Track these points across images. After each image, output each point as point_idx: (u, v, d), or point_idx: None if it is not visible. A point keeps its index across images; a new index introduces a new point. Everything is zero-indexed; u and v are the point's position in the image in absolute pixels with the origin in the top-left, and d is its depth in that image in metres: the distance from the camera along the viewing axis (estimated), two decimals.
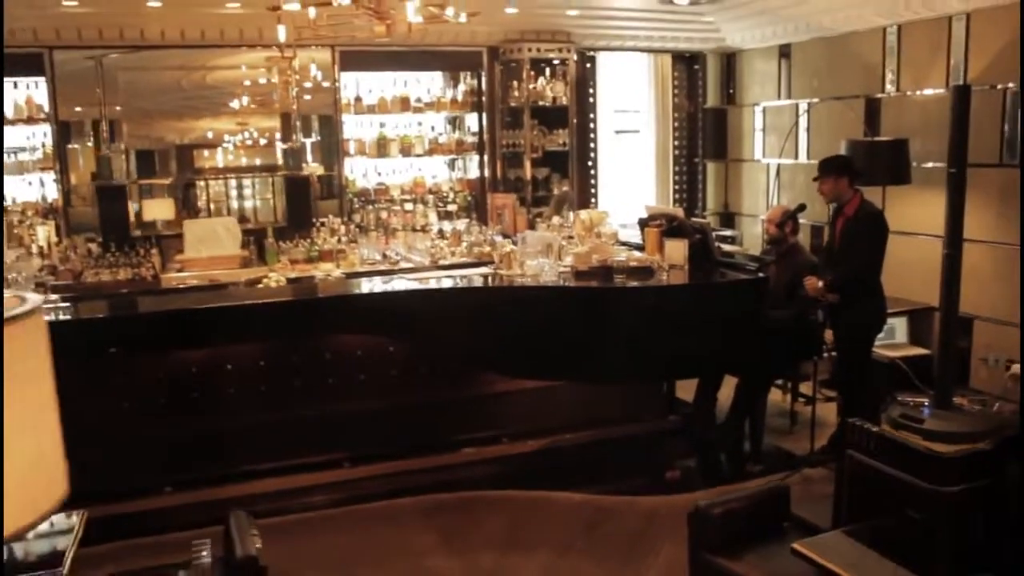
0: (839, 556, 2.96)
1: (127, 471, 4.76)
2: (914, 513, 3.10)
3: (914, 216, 7.01)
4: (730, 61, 9.32)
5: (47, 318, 1.60)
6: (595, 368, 5.23)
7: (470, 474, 5.47)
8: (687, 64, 9.40)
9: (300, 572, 4.37)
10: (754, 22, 8.16)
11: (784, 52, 8.48)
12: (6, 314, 1.28)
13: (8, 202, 7.63)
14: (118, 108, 7.76)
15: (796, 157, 8.26)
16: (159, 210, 7.90)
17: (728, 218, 9.50)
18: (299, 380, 5.23)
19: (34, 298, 1.41)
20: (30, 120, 7.62)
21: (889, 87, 7.30)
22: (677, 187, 9.60)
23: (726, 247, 7.14)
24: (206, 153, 8.23)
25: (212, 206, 8.15)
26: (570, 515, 5.00)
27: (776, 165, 8.63)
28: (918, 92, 7.04)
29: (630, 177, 9.57)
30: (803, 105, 8.24)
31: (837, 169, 5.53)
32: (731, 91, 9.38)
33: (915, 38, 7.04)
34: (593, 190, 9.06)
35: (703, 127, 9.43)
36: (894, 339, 7.04)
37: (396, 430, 5.42)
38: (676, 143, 9.52)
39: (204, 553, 3.20)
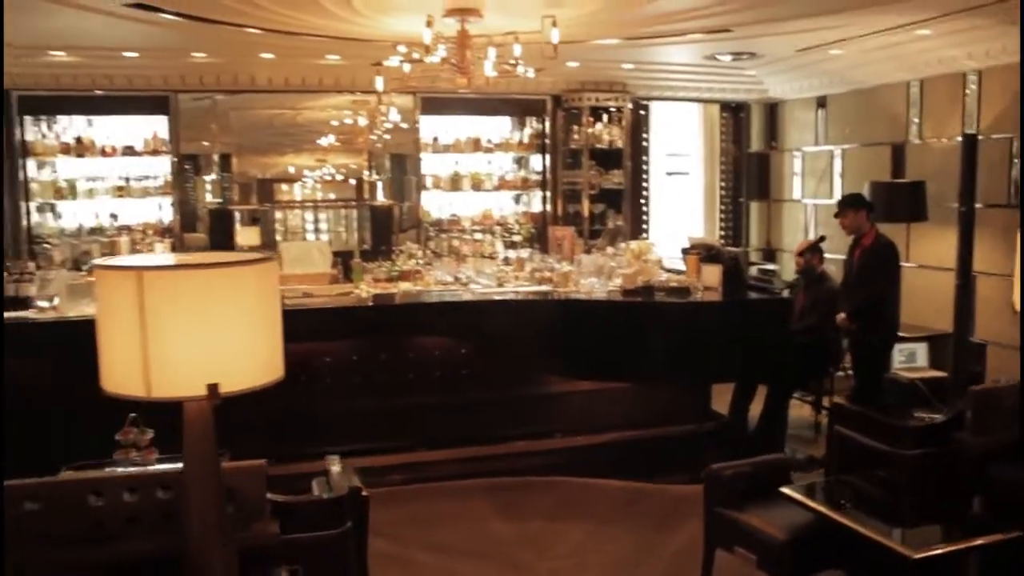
0: (815, 495, 3.76)
1: (235, 442, 5.71)
2: (881, 472, 3.90)
3: (934, 251, 7.75)
4: (773, 110, 10.19)
5: None
6: (637, 371, 6.12)
7: (527, 463, 6.33)
8: (733, 112, 10.30)
9: (383, 530, 5.25)
10: (793, 75, 9.04)
11: (821, 103, 9.33)
12: (260, 255, 2.21)
13: (132, 223, 8.81)
14: (229, 143, 8.93)
15: (831, 197, 9.05)
16: (248, 236, 8.97)
17: (770, 253, 10.30)
18: (385, 374, 6.19)
19: (271, 255, 2.35)
20: (155, 152, 8.81)
21: (912, 135, 8.09)
22: (723, 224, 10.45)
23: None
24: (284, 187, 9.32)
25: (295, 235, 9.25)
26: (610, 496, 5.85)
27: (813, 205, 9.44)
28: (938, 140, 7.81)
29: (680, 214, 10.43)
30: (837, 151, 9.06)
31: (855, 204, 6.34)
32: (773, 137, 10.23)
33: (935, 92, 7.83)
34: (644, 225, 9.95)
35: (747, 170, 10.28)
36: (915, 362, 7.74)
37: (465, 421, 6.33)
38: (722, 184, 10.40)
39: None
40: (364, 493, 3.90)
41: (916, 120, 8.06)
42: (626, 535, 5.28)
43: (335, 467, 3.61)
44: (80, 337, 5.58)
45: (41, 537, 2.63)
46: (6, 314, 5.87)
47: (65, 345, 5.60)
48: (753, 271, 8.90)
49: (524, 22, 5.72)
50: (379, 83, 6.47)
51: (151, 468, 3.12)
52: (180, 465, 2.36)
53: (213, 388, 2.09)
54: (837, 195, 9.04)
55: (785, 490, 3.83)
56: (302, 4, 5.84)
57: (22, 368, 5.62)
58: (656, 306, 6.11)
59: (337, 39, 6.93)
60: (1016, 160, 6.98)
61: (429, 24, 5.41)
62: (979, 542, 3.28)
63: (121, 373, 2.11)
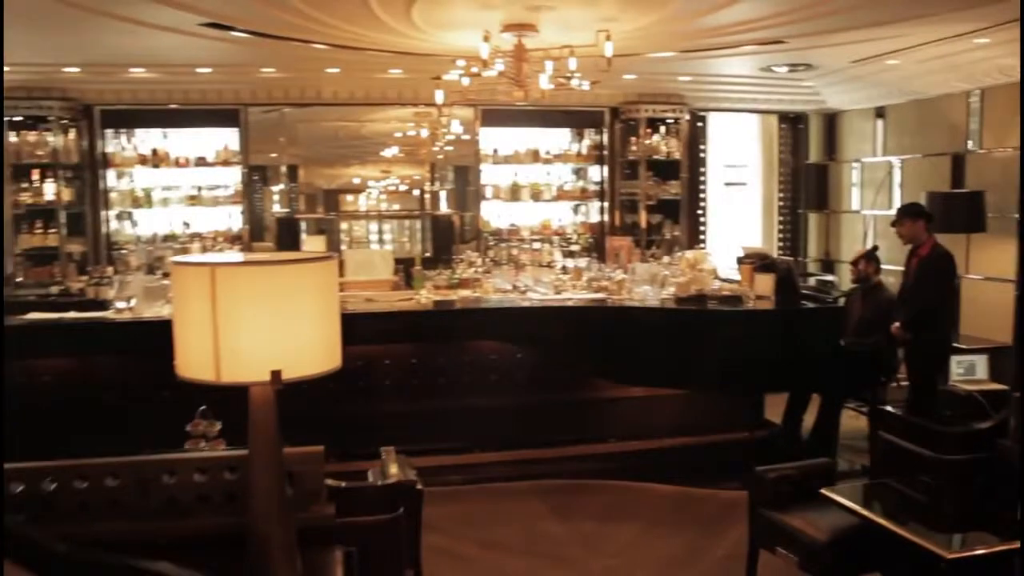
0: (854, 498, 3.83)
1: (296, 441, 5.96)
2: (923, 477, 3.95)
3: (995, 262, 7.70)
4: (831, 121, 10.20)
5: None
6: (689, 378, 6.22)
7: (580, 466, 6.46)
8: (792, 123, 10.33)
9: (437, 525, 5.43)
10: (850, 86, 9.05)
11: (879, 113, 9.32)
12: (321, 254, 2.41)
13: (204, 230, 9.19)
14: (296, 154, 9.27)
15: (889, 208, 9.02)
16: (314, 245, 9.27)
17: (828, 264, 10.28)
18: (443, 377, 6.40)
19: (331, 254, 2.55)
20: (225, 163, 9.18)
21: (972, 145, 8.05)
22: (781, 235, 10.47)
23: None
24: (349, 198, 9.63)
25: (359, 244, 9.53)
26: (661, 499, 5.96)
27: (871, 216, 9.41)
28: (998, 150, 7.77)
29: (738, 225, 10.47)
30: (896, 161, 9.03)
31: (913, 214, 6.36)
32: (832, 148, 10.22)
33: (995, 102, 7.80)
34: (702, 235, 10.02)
35: (805, 180, 10.28)
36: (974, 375, 7.65)
37: (520, 424, 6.48)
38: (781, 195, 10.42)
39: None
40: (418, 487, 4.10)
41: (976, 130, 8.02)
42: (675, 536, 5.38)
43: (390, 458, 3.80)
44: (154, 336, 5.93)
45: (119, 510, 2.86)
46: (88, 314, 6.23)
47: (141, 343, 5.94)
48: (811, 281, 8.94)
49: (579, 36, 5.90)
50: (439, 96, 6.69)
51: (220, 452, 3.33)
52: (246, 451, 2.57)
53: (276, 374, 2.29)
54: (896, 206, 9.02)
55: (825, 491, 3.91)
56: (365, 21, 6.09)
57: (101, 365, 5.99)
58: (708, 314, 6.22)
59: (399, 54, 7.19)
60: None
61: (486, 39, 5.62)
62: (1016, 545, 3.33)
63: (194, 360, 2.32)
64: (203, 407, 4.23)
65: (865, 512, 3.66)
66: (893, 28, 6.48)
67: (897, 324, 6.22)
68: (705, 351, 6.16)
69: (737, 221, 10.46)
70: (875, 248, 6.75)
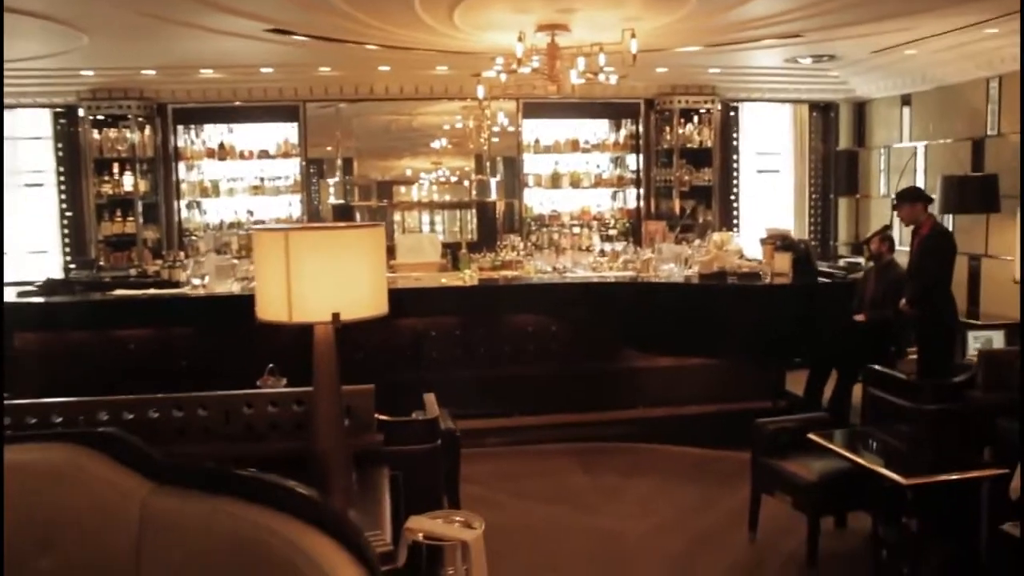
0: (839, 443, 4.34)
1: None
2: (903, 426, 4.46)
3: (1012, 242, 8.04)
4: (861, 109, 10.58)
5: None
6: (710, 348, 6.76)
7: (609, 431, 7.02)
8: (823, 112, 10.74)
9: (476, 479, 6.03)
10: (876, 75, 9.44)
11: (906, 100, 9.70)
12: (370, 223, 3.03)
13: (266, 218, 9.91)
14: (351, 147, 9.96)
15: None
16: None
17: (858, 247, 10.65)
18: (484, 348, 7.00)
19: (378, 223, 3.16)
20: (286, 156, 9.91)
21: (991, 130, 8.41)
22: (812, 220, 10.89)
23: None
24: (403, 189, 10.26)
25: (411, 231, 10.17)
26: (681, 459, 6.52)
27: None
28: (1014, 134, 8.12)
29: (771, 210, 10.90)
30: (920, 147, 9.41)
31: (911, 198, 6.78)
32: (861, 135, 10.61)
33: (1012, 88, 8.13)
34: (735, 220, 10.48)
35: (835, 167, 10.69)
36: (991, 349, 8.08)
37: (554, 391, 7.06)
38: (812, 181, 10.84)
39: None
40: (456, 432, 4.72)
41: (995, 115, 8.37)
42: (690, 490, 5.92)
43: (431, 401, 4.41)
44: (224, 309, 6.67)
45: (208, 436, 3.52)
46: (168, 291, 6.96)
47: (213, 316, 6.67)
48: (840, 263, 9.36)
49: (608, 34, 6.45)
50: (480, 91, 7.29)
51: (289, 389, 3.94)
52: (311, 388, 3.20)
53: (336, 316, 2.91)
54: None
55: (813, 436, 4.43)
56: (412, 23, 6.70)
57: (177, 335, 6.71)
58: (727, 289, 6.75)
59: (444, 52, 7.80)
60: None
61: (520, 39, 6.20)
62: (970, 475, 3.83)
63: (271, 305, 2.96)
64: (271, 365, 4.88)
65: (844, 452, 4.18)
66: (904, 20, 6.89)
67: (904, 302, 6.66)
68: (724, 323, 6.69)
69: (770, 206, 10.88)
70: (887, 227, 7.18)
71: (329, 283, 2.92)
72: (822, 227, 10.92)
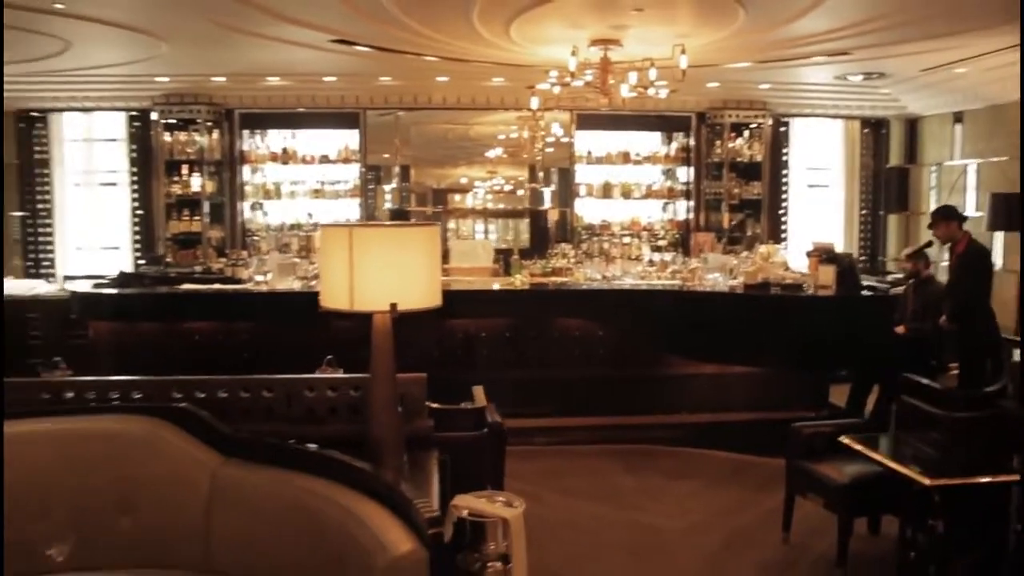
0: (869, 447, 4.48)
1: None
2: (934, 434, 4.59)
3: None
4: (912, 126, 10.64)
5: None
6: (752, 356, 6.92)
7: (654, 434, 7.20)
8: (874, 128, 10.83)
9: (521, 476, 6.26)
10: (927, 92, 9.51)
11: (958, 118, 9.74)
12: (426, 223, 3.29)
13: (325, 221, 10.26)
14: (409, 155, 10.29)
15: (965, 210, 9.43)
16: None
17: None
18: (532, 349, 7.25)
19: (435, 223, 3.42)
20: (346, 161, 10.28)
21: None
22: (861, 235, 10.96)
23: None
24: (457, 197, 10.57)
25: (465, 238, 10.47)
26: (723, 463, 6.68)
27: None
28: None
29: (820, 225, 10.98)
30: (972, 164, 9.45)
31: (945, 216, 6.88)
32: (912, 152, 10.66)
33: None
34: (784, 233, 10.60)
35: (886, 183, 10.75)
36: None
37: (600, 394, 7.28)
38: (862, 197, 10.92)
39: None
40: (503, 425, 4.94)
41: None
42: (729, 492, 6.09)
43: (479, 393, 4.66)
44: (285, 304, 7.00)
45: (271, 416, 3.81)
46: (232, 286, 7.32)
47: (274, 310, 7.01)
48: (888, 278, 9.43)
49: (659, 50, 6.67)
50: (534, 102, 7.55)
51: (347, 375, 4.21)
52: (368, 375, 3.46)
53: (393, 306, 3.17)
54: (971, 208, 9.45)
55: (844, 439, 4.58)
56: (470, 37, 6.99)
57: (240, 328, 7.05)
58: (769, 299, 6.90)
59: (500, 64, 8.07)
60: None
61: (574, 53, 6.45)
62: (995, 479, 3.96)
63: (335, 294, 3.23)
64: (329, 356, 5.17)
65: (874, 455, 4.32)
66: (953, 40, 7.01)
67: (944, 318, 6.75)
68: (767, 333, 6.85)
69: (819, 221, 10.96)
70: (926, 245, 7.27)
71: (388, 276, 3.19)
72: (871, 243, 10.98)
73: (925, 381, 4.77)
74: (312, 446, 3.36)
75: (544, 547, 4.90)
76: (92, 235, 10.40)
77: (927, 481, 3.87)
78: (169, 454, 3.43)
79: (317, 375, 4.04)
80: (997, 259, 8.84)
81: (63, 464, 3.34)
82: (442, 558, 2.69)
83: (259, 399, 3.87)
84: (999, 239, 8.80)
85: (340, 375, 4.08)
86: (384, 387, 3.45)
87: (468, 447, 4.09)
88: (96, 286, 7.43)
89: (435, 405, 4.01)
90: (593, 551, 5.10)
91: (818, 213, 11.04)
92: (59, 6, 5.68)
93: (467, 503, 3.44)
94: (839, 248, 9.44)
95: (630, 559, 5.00)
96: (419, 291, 3.28)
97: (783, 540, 5.14)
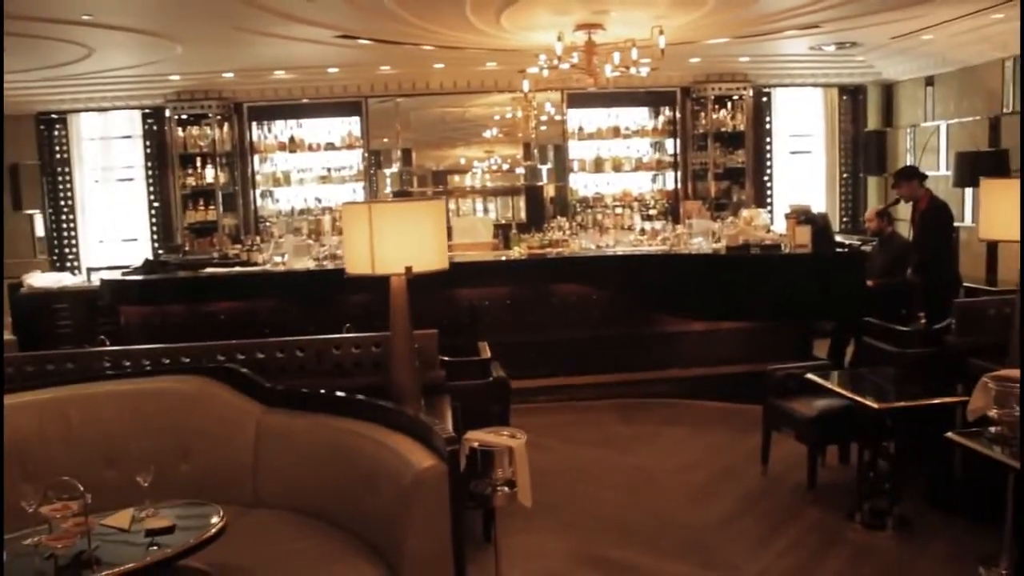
0: (832, 382, 5.03)
1: None
2: (890, 368, 5.16)
3: None
4: (888, 91, 11.15)
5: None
6: (735, 312, 7.50)
7: (648, 389, 7.78)
8: (852, 95, 11.35)
9: (529, 429, 6.84)
10: (900, 59, 10.01)
11: (929, 82, 10.25)
12: (432, 197, 3.85)
13: (332, 204, 10.82)
14: (409, 138, 10.85)
15: (937, 169, 9.97)
16: None
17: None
18: (532, 315, 7.82)
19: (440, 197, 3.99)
20: (350, 147, 10.82)
21: (1007, 108, 8.96)
22: (842, 198, 11.50)
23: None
24: (457, 178, 11.11)
25: (466, 216, 11.01)
26: (712, 411, 7.28)
27: None
28: None
29: (803, 189, 11.50)
30: (942, 125, 9.98)
31: (907, 176, 7.42)
32: (889, 116, 11.18)
33: None
34: (769, 199, 11.13)
35: (864, 147, 11.28)
36: None
37: (597, 353, 7.84)
38: (842, 161, 11.45)
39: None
40: (506, 378, 5.50)
41: (1009, 94, 8.92)
42: (716, 436, 6.67)
43: (484, 347, 5.24)
44: (302, 283, 7.55)
45: (303, 372, 4.39)
46: (252, 268, 7.89)
47: (292, 289, 7.57)
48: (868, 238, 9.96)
49: (640, 31, 7.20)
50: (525, 85, 8.11)
51: (369, 334, 4.77)
52: (387, 333, 4.03)
53: (408, 268, 3.75)
54: (942, 167, 9.99)
55: (810, 376, 5.14)
56: (464, 26, 7.51)
57: (261, 306, 7.62)
58: (748, 259, 7.47)
59: (493, 50, 8.60)
60: None
61: (560, 38, 6.98)
62: (935, 401, 4.52)
63: (357, 261, 3.80)
64: (347, 325, 5.73)
65: (835, 388, 4.89)
66: (917, 9, 7.48)
67: (909, 271, 7.29)
68: (749, 290, 7.41)
69: (802, 186, 11.48)
70: (894, 203, 7.82)
71: (403, 243, 3.76)
72: (852, 204, 11.51)
73: (882, 323, 5.33)
74: (341, 393, 3.94)
75: (547, 486, 5.46)
76: (113, 228, 10.98)
77: (876, 405, 4.44)
78: (218, 407, 4.02)
79: (342, 335, 4.62)
80: (966, 214, 9.39)
81: (129, 418, 3.93)
82: (457, 470, 3.26)
83: (293, 358, 4.46)
84: (969, 196, 9.31)
85: (362, 335, 4.66)
86: (402, 340, 4.03)
87: (476, 393, 4.69)
88: (125, 274, 8.00)
89: (446, 358, 4.58)
90: (591, 488, 5.68)
91: (801, 178, 11.56)
92: (87, 17, 6.22)
93: (477, 436, 4.02)
94: (817, 210, 10.01)
95: (624, 493, 5.58)
96: (429, 255, 3.85)
97: (762, 472, 5.73)
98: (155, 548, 2.88)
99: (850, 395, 4.68)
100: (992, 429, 3.88)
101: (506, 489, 4.05)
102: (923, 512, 4.88)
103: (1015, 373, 3.89)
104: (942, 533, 4.67)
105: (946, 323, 5.23)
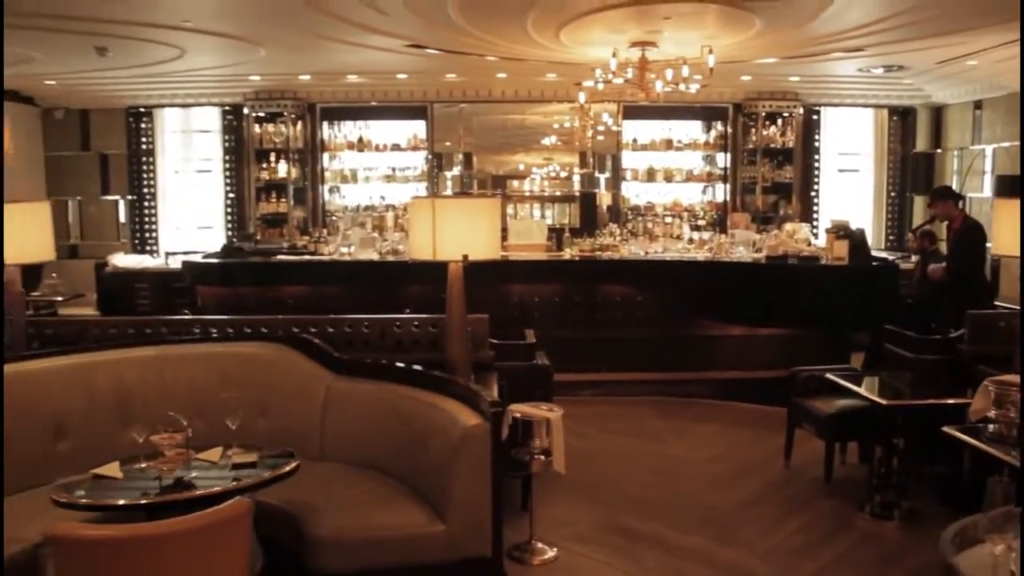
0: (853, 381, 5.42)
1: None
2: (907, 373, 5.54)
3: None
4: (938, 113, 11.42)
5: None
6: (776, 319, 7.92)
7: (687, 389, 8.19)
8: (902, 116, 11.64)
9: (570, 419, 7.29)
10: (947, 82, 10.30)
11: (978, 106, 10.52)
12: (491, 195, 4.36)
13: (396, 203, 11.41)
14: (471, 143, 11.42)
15: (982, 191, 10.24)
16: None
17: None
18: (579, 312, 8.31)
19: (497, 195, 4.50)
20: (415, 149, 11.43)
21: None
22: (889, 216, 11.78)
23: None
24: (515, 183, 11.62)
25: (523, 219, 11.53)
26: (745, 411, 7.66)
27: (969, 199, 10.62)
28: None
29: (850, 207, 11.79)
30: (988, 149, 10.24)
31: (942, 195, 7.69)
32: (938, 138, 11.46)
33: None
34: (816, 214, 11.47)
35: (912, 168, 11.56)
36: None
37: (639, 352, 8.29)
38: (889, 180, 11.75)
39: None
40: (549, 366, 5.99)
41: None
42: (747, 433, 7.06)
43: (530, 334, 5.74)
44: (366, 272, 8.13)
45: (368, 347, 4.94)
46: (323, 257, 8.49)
47: (357, 277, 8.15)
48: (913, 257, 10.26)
49: (692, 49, 7.65)
50: (581, 97, 8.59)
51: (427, 315, 5.28)
52: (443, 316, 4.56)
53: (465, 256, 4.27)
54: (987, 190, 10.25)
55: (829, 375, 5.54)
56: (525, 41, 8.05)
57: (327, 292, 8.21)
58: (785, 268, 7.87)
59: (552, 63, 9.11)
60: None
61: (615, 55, 7.46)
62: (940, 401, 4.90)
63: (421, 249, 4.34)
64: (407, 309, 6.26)
65: (848, 385, 5.29)
66: (958, 36, 7.83)
67: (935, 267, 7.55)
68: (788, 299, 7.82)
69: (849, 203, 11.78)
70: (920, 225, 8.16)
71: (461, 234, 4.29)
72: (898, 223, 11.79)
73: (901, 331, 5.72)
74: (401, 364, 4.47)
75: (582, 468, 5.94)
76: (189, 216, 11.72)
77: (884, 402, 4.84)
78: (293, 371, 4.58)
79: (403, 315, 5.16)
80: None
81: (215, 377, 4.50)
82: (499, 430, 3.76)
83: (359, 333, 5.02)
84: None
85: (424, 316, 5.18)
86: (457, 320, 4.55)
87: (521, 373, 5.19)
88: (204, 257, 8.67)
89: (495, 341, 5.09)
90: (623, 470, 6.14)
91: (848, 195, 11.88)
92: (186, 23, 6.88)
93: (519, 408, 4.55)
94: (860, 226, 10.33)
95: (654, 476, 6.03)
96: (484, 247, 4.38)
97: (784, 466, 6.13)
98: (238, 480, 3.43)
99: (861, 391, 5.08)
100: (991, 428, 4.25)
101: (543, 457, 4.57)
102: (932, 508, 5.25)
103: (1014, 378, 4.27)
104: (947, 526, 5.03)
105: (959, 332, 5.60)
